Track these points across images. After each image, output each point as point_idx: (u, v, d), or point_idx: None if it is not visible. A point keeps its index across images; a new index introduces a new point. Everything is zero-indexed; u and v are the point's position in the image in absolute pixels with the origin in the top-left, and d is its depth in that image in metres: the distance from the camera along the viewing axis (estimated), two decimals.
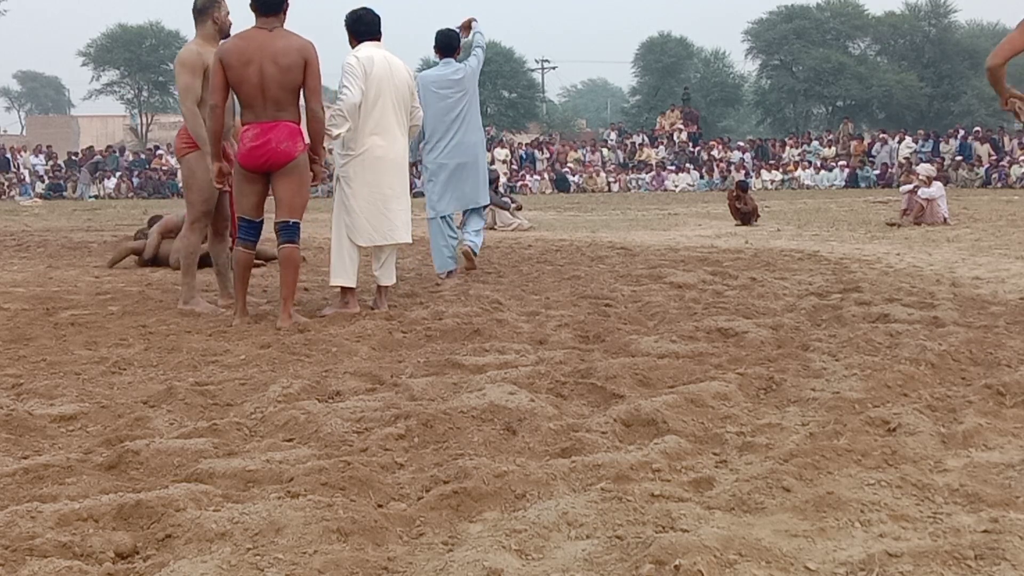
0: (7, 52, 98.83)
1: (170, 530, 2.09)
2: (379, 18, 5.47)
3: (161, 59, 44.52)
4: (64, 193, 29.51)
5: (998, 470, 2.47)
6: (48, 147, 33.42)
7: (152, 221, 9.36)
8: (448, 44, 7.05)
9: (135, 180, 30.19)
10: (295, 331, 4.68)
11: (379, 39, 5.45)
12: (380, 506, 2.29)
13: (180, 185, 5.82)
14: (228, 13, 5.55)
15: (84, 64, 46.25)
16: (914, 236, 10.20)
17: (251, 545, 2.01)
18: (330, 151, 5.59)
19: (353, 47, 5.43)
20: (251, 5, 4.82)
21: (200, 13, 5.53)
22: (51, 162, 31.94)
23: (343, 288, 5.39)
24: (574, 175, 31.29)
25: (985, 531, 2.04)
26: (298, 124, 4.91)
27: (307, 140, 4.96)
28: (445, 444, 2.79)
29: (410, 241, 5.63)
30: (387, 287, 5.61)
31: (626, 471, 2.45)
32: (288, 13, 4.93)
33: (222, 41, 5.18)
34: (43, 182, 30.77)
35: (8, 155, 31.97)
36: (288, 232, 4.96)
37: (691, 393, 3.17)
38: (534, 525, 2.11)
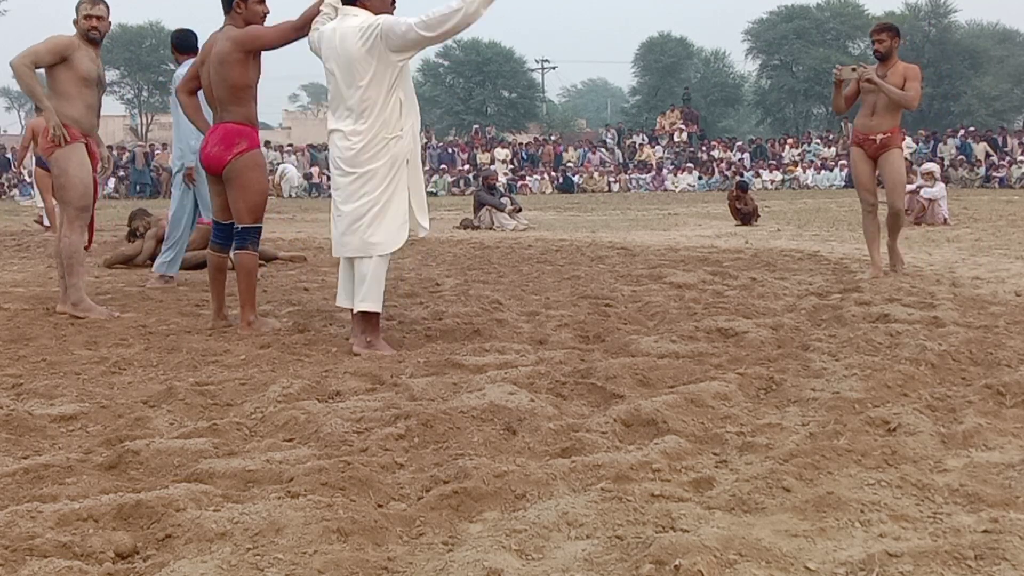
0: (7, 52, 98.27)
1: (170, 530, 2.09)
2: None
3: (161, 59, 44.50)
4: None
5: (998, 470, 2.47)
6: None
7: (133, 216, 9.21)
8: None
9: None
10: (263, 335, 4.57)
11: (352, 4, 4.42)
12: (380, 506, 2.29)
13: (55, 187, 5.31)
14: (96, 17, 5.31)
15: None
16: (914, 236, 10.20)
17: (251, 545, 2.01)
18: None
19: None
20: None
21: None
22: None
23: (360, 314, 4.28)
24: (574, 175, 31.29)
25: (985, 531, 2.04)
26: (242, 124, 4.66)
27: (253, 140, 4.70)
28: (445, 444, 2.79)
29: (350, 256, 4.31)
30: (364, 313, 4.24)
31: (626, 471, 2.45)
32: (244, 9, 4.66)
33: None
34: None
35: (8, 155, 31.95)
36: (238, 238, 4.75)
37: (691, 393, 3.17)
38: (534, 525, 2.11)
